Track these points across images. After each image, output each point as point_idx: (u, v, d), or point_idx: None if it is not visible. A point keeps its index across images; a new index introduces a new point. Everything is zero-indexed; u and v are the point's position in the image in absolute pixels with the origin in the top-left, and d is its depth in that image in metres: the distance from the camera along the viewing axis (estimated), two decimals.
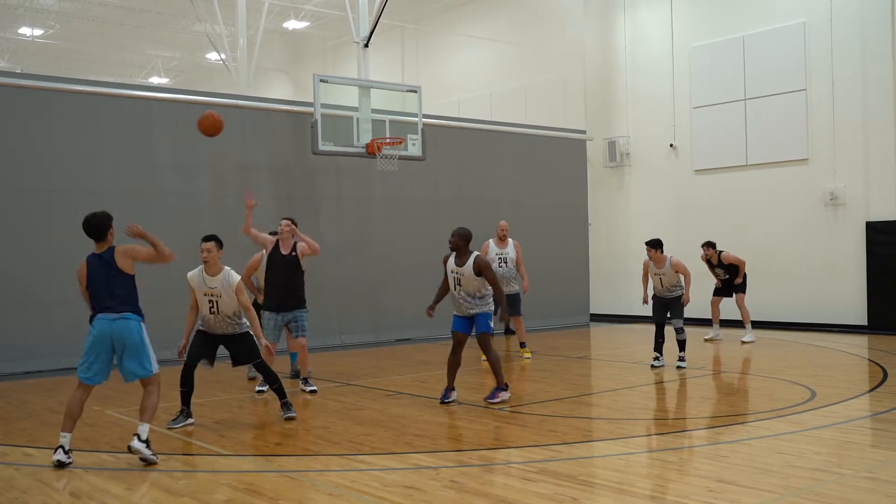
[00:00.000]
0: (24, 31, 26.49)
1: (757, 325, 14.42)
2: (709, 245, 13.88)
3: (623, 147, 18.37)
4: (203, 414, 8.32)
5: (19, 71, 25.07)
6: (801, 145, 15.52)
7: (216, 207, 13.16)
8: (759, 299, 14.53)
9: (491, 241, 12.00)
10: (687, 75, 17.24)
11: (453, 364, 8.71)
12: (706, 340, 13.79)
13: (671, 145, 17.59)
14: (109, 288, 6.42)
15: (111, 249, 6.58)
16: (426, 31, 23.34)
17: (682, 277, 10.96)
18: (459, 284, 8.53)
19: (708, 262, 13.97)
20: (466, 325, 8.68)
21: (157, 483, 5.77)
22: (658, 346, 11.00)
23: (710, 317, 14.20)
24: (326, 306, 13.76)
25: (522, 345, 12.33)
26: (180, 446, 6.92)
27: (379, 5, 14.47)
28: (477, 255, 8.50)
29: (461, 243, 8.52)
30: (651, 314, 11.25)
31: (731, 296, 13.96)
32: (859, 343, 13.28)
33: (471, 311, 8.58)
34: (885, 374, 10.04)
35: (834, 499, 5.10)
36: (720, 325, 14.13)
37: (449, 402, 8.60)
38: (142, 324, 6.48)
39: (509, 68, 21.32)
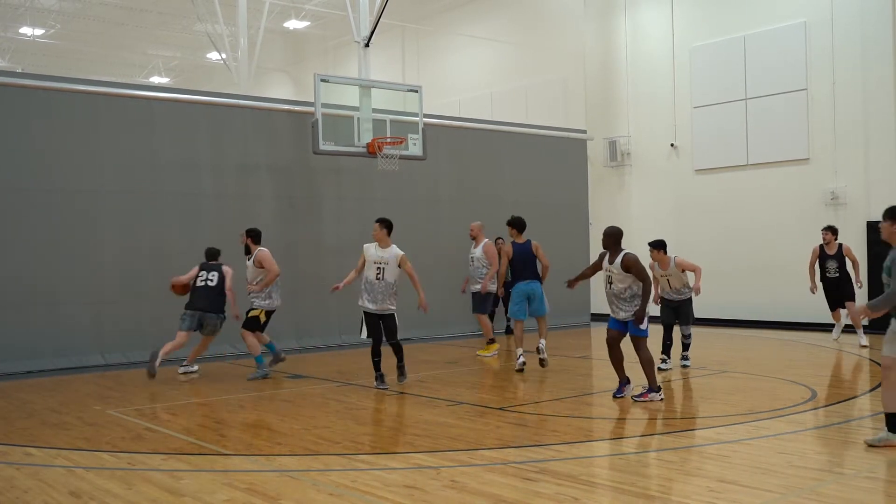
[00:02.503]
0: (25, 30, 26.50)
1: (758, 324, 14.42)
2: (830, 230, 12.68)
3: (624, 147, 18.37)
4: (203, 414, 8.33)
5: (20, 70, 25.08)
6: (801, 145, 15.51)
7: (217, 207, 13.16)
8: (760, 299, 14.52)
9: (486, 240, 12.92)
10: (687, 75, 17.23)
11: (616, 360, 8.94)
12: (835, 340, 13.13)
13: (672, 145, 17.59)
14: (525, 265, 10.88)
15: (529, 242, 10.98)
16: (427, 31, 23.34)
17: (690, 278, 10.75)
18: (611, 283, 8.74)
19: (821, 250, 12.74)
20: (620, 324, 8.82)
21: (157, 483, 5.77)
22: (665, 349, 10.85)
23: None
24: (326, 306, 13.76)
25: (491, 341, 12.71)
26: (180, 446, 6.92)
27: (379, 5, 14.46)
28: (626, 253, 8.63)
29: (609, 242, 8.74)
30: (660, 314, 11.05)
31: (843, 305, 12.68)
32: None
33: (621, 315, 8.72)
34: None
35: (835, 499, 5.10)
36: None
37: (622, 396, 8.78)
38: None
39: (509, 68, 21.32)
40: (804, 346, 13.17)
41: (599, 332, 16.38)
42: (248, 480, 5.83)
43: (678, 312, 10.79)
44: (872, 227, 14.59)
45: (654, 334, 11.43)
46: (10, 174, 11.52)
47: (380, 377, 9.78)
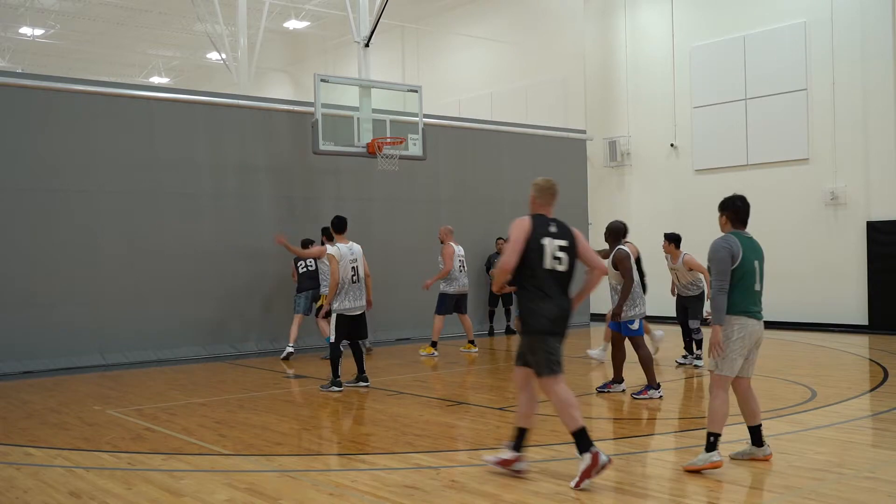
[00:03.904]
0: (25, 30, 26.48)
1: None
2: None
3: (623, 147, 18.36)
4: (203, 414, 8.32)
5: (20, 71, 25.07)
6: (801, 145, 15.51)
7: (216, 207, 13.16)
8: None
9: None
10: (687, 75, 17.23)
11: (616, 359, 9.06)
12: None
13: (672, 145, 17.59)
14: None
15: None
16: (426, 31, 23.34)
17: (699, 277, 10.86)
18: (607, 276, 8.88)
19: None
20: (615, 324, 8.96)
21: (157, 483, 5.77)
22: (687, 345, 11.05)
23: None
24: None
25: (471, 342, 13.24)
26: (180, 446, 6.92)
27: (379, 5, 14.46)
28: (619, 248, 8.83)
29: (609, 237, 9.02)
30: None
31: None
32: (860, 343, 13.27)
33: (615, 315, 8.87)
34: (886, 374, 10.03)
35: (835, 499, 5.10)
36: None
37: (605, 391, 8.97)
38: None
39: (509, 68, 21.31)
40: (804, 346, 13.17)
41: (599, 331, 16.38)
42: (248, 480, 5.83)
43: (686, 308, 10.96)
44: (872, 227, 14.61)
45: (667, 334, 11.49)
46: (10, 174, 11.51)
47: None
